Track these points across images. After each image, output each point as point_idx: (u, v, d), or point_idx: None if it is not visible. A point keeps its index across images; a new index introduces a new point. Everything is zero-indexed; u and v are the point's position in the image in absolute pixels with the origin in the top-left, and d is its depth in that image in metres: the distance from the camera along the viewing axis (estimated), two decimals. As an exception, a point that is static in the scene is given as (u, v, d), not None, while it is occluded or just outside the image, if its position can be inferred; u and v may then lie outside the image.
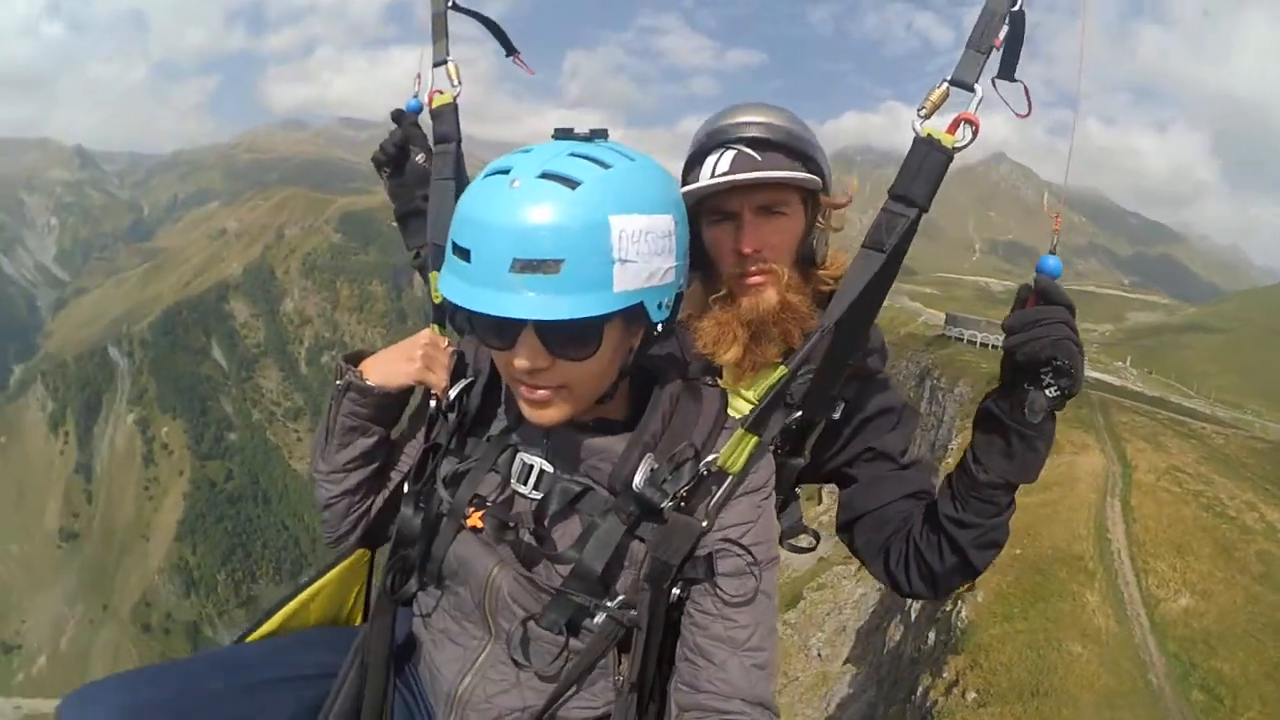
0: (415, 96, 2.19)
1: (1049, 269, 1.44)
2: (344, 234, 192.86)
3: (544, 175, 1.18)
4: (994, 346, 69.47)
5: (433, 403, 1.66)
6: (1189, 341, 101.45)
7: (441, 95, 2.10)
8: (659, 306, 1.29)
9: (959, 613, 20.11)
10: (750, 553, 1.43)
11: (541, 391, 1.32)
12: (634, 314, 1.27)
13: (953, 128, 1.42)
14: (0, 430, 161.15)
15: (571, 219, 1.15)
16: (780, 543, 1.82)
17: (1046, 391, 1.46)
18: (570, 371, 1.30)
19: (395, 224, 2.29)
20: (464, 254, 1.20)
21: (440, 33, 2.11)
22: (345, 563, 1.80)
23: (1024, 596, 19.96)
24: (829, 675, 29.20)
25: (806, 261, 1.92)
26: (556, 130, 1.33)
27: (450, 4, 2.11)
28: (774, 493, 1.58)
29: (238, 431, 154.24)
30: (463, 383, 1.62)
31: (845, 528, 2.01)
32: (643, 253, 1.21)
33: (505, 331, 1.27)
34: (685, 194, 1.69)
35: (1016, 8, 1.40)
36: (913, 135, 1.44)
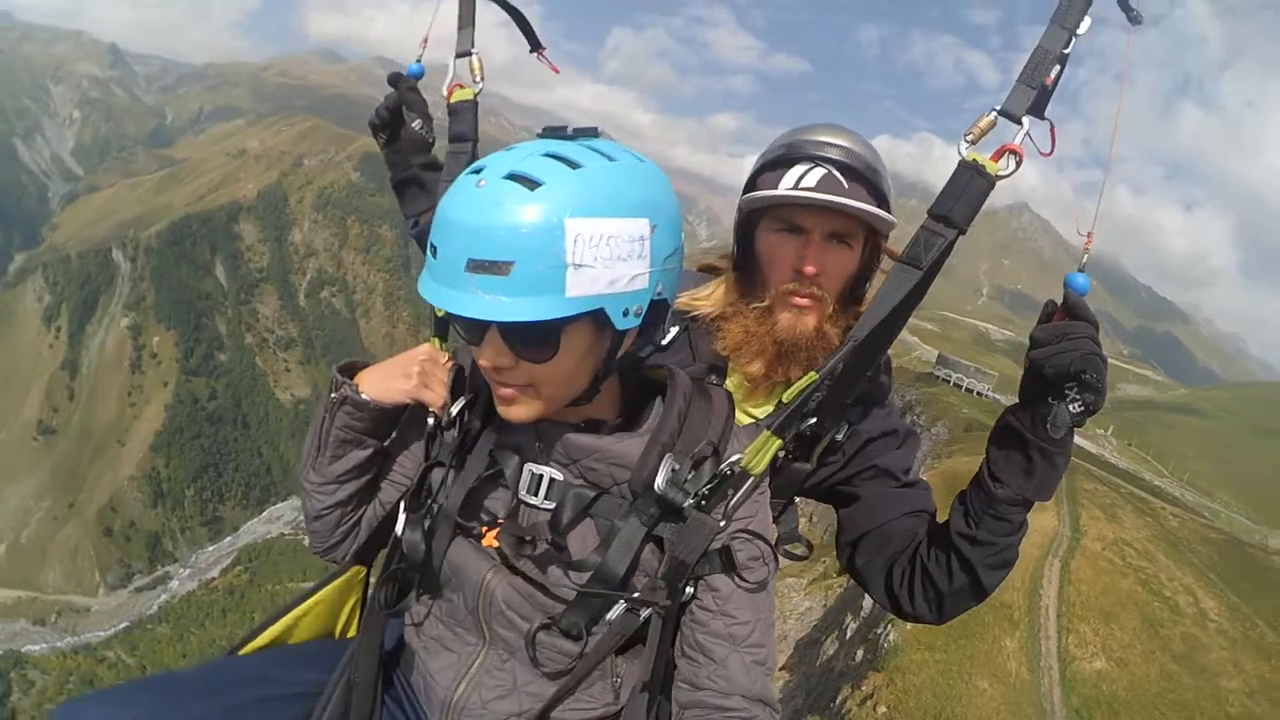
0: (418, 60, 2.15)
1: (1078, 286, 1.44)
2: (362, 173, 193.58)
3: (509, 176, 1.18)
4: (979, 394, 72.03)
5: (430, 420, 1.65)
6: (1174, 422, 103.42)
7: (461, 90, 2.05)
8: (624, 314, 1.26)
9: (887, 636, 21.98)
10: (764, 539, 1.47)
11: (507, 389, 1.34)
12: (601, 318, 1.25)
13: (996, 156, 1.45)
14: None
15: (524, 220, 1.14)
16: (773, 546, 1.81)
17: (1070, 406, 1.45)
18: (535, 372, 1.30)
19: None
20: (433, 251, 1.22)
21: (467, 20, 2.07)
22: (340, 579, 1.80)
23: (948, 631, 21.65)
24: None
25: (852, 299, 1.95)
26: (545, 128, 1.33)
27: None
28: (769, 490, 1.61)
29: (228, 352, 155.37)
30: (464, 399, 1.61)
31: (846, 547, 2.00)
32: (602, 258, 1.19)
33: (474, 329, 1.29)
34: (759, 198, 1.80)
35: (1069, 50, 1.45)
36: (957, 159, 1.47)
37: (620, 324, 1.26)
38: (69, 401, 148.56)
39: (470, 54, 2.04)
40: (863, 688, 19.65)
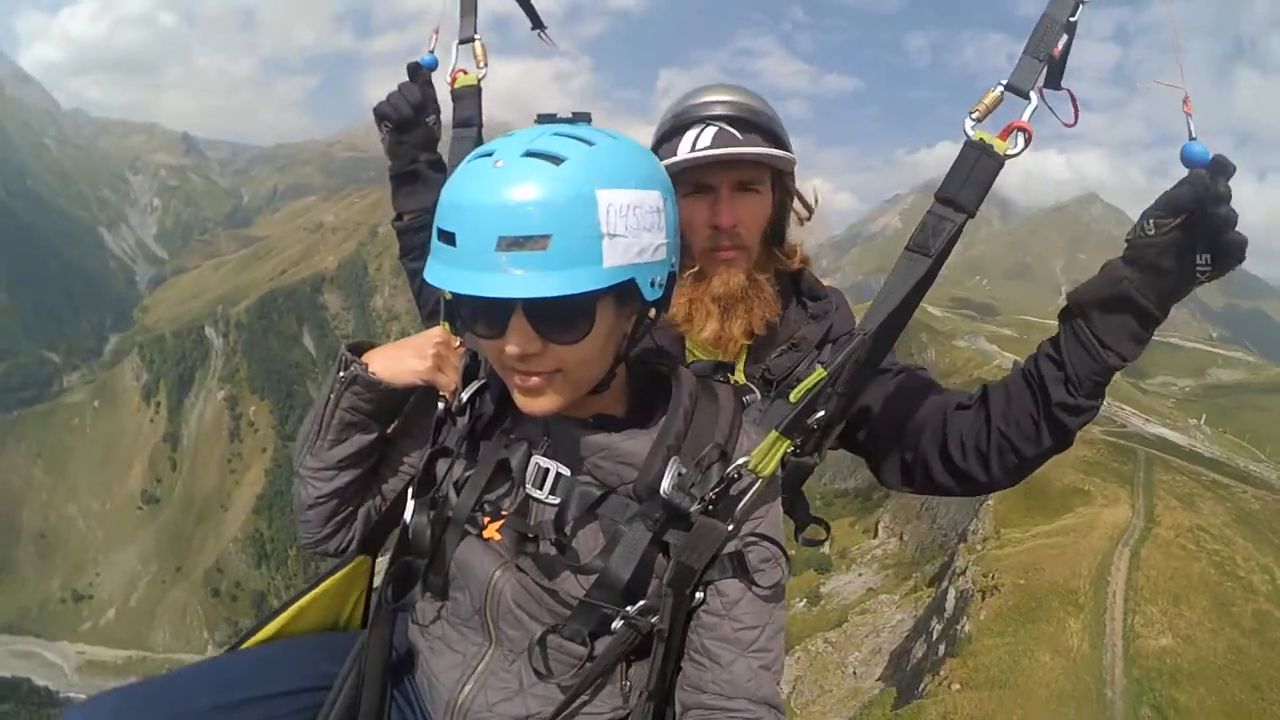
0: (431, 52, 2.09)
1: (1201, 154, 1.31)
2: None
3: (528, 154, 1.17)
4: None
5: (440, 405, 1.57)
6: (1268, 403, 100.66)
7: (465, 76, 2.03)
8: (651, 284, 1.26)
9: (963, 628, 24.16)
10: (775, 543, 1.43)
11: (534, 379, 1.28)
12: (626, 293, 1.24)
13: (1005, 134, 1.41)
14: (94, 394, 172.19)
15: (557, 194, 1.13)
16: (795, 538, 1.89)
17: (1193, 285, 1.40)
18: (563, 355, 1.26)
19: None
20: (449, 238, 1.18)
21: (468, 8, 2.06)
22: (345, 569, 1.73)
23: (1018, 618, 23.83)
24: (860, 690, 32.13)
25: (773, 240, 1.98)
26: (539, 115, 1.31)
27: None
28: (782, 490, 1.56)
29: None
30: (475, 385, 1.54)
31: (884, 459, 1.93)
32: (631, 227, 1.19)
33: (494, 317, 1.24)
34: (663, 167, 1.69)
35: (1075, 17, 1.40)
36: (964, 138, 1.43)
37: (649, 294, 1.26)
38: (172, 471, 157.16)
39: (474, 39, 2.04)
40: (941, 672, 21.73)
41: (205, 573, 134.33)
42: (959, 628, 24.43)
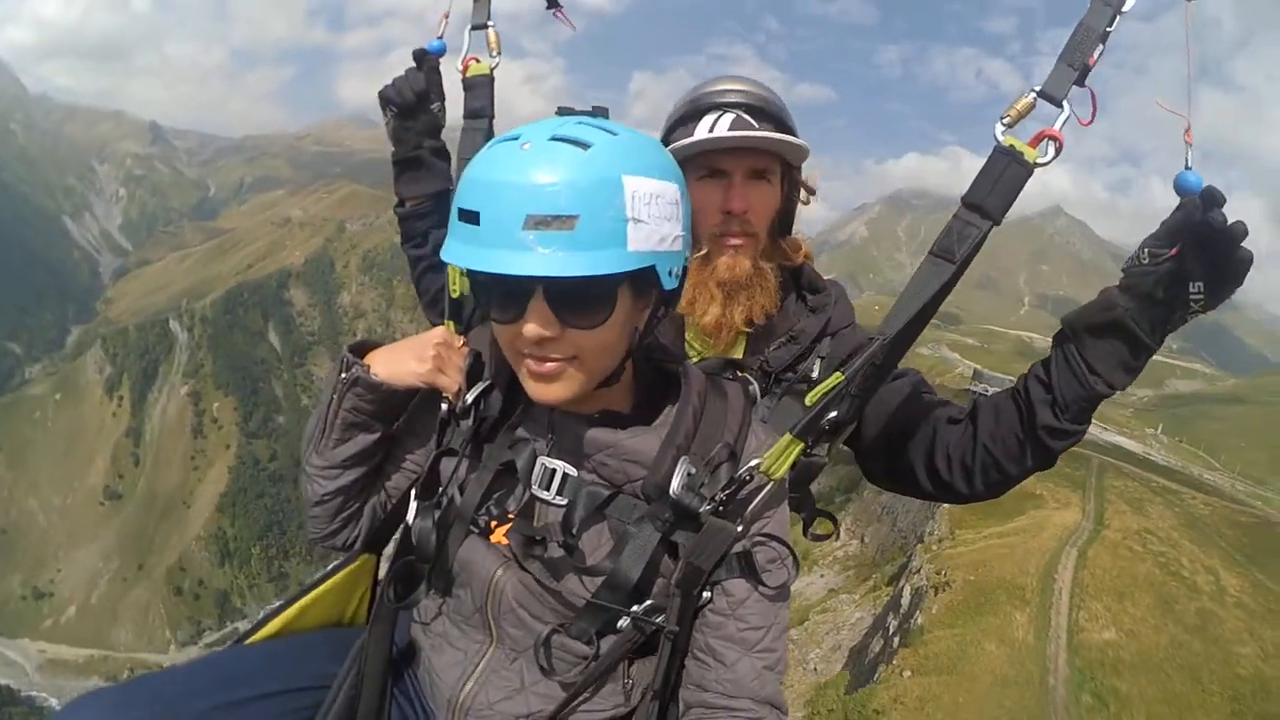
0: (440, 37, 2.03)
1: (1195, 184, 1.31)
2: None
3: (555, 139, 1.18)
4: None
5: (444, 406, 1.56)
6: (1224, 413, 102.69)
7: (478, 64, 1.99)
8: (669, 274, 1.27)
9: (916, 621, 25.15)
10: (783, 543, 1.43)
11: (550, 364, 1.28)
12: (643, 283, 1.26)
13: (1035, 142, 1.39)
14: (56, 387, 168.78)
15: (586, 176, 1.15)
16: (804, 533, 1.94)
17: (1189, 315, 1.41)
18: (581, 341, 1.26)
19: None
20: (472, 217, 1.18)
21: None
22: (350, 567, 1.74)
23: (967, 612, 24.93)
24: (820, 685, 32.94)
25: (780, 230, 1.99)
26: (560, 108, 1.33)
27: None
28: (790, 489, 1.55)
29: (285, 414, 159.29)
30: (480, 386, 1.53)
31: (872, 461, 1.96)
32: (654, 215, 1.21)
33: (513, 299, 1.24)
34: (678, 148, 1.79)
35: (1112, 28, 1.39)
36: (993, 144, 1.41)
37: (667, 283, 1.27)
38: (134, 467, 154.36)
39: (487, 26, 1.99)
40: (894, 662, 22.82)
41: (168, 570, 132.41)
42: (912, 621, 25.48)
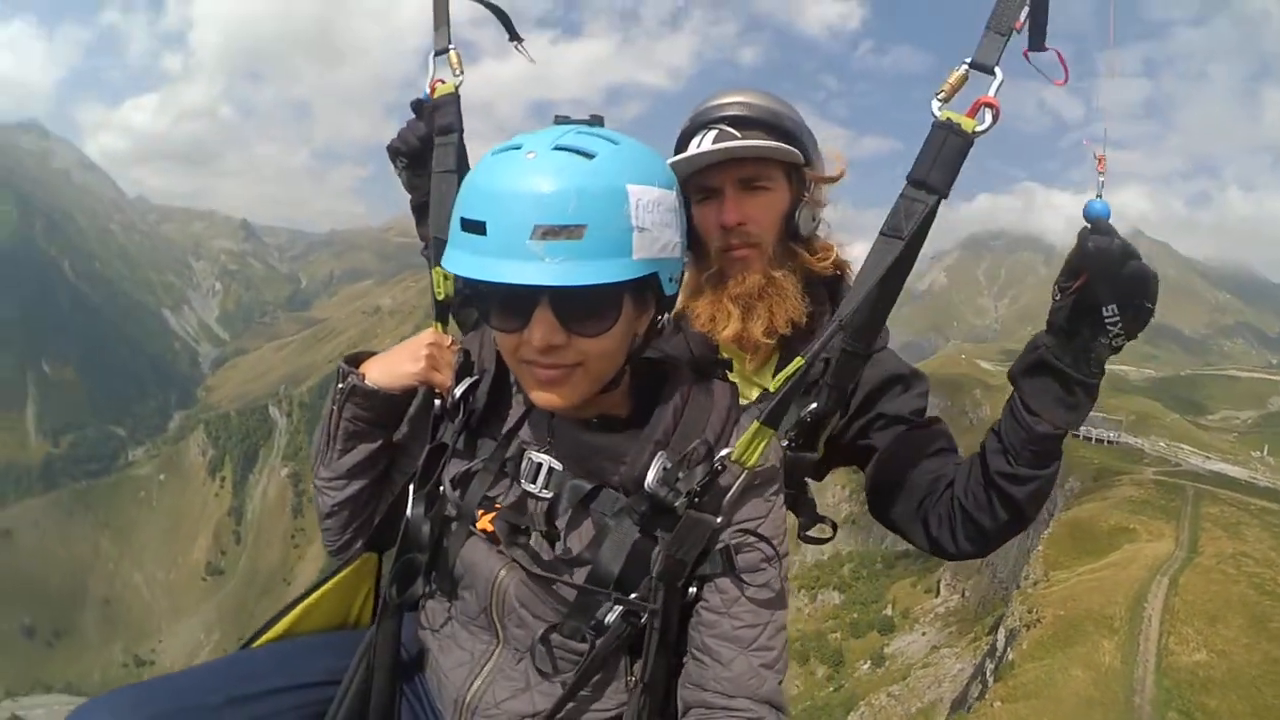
0: (430, 91, 2.08)
1: (1099, 211, 1.37)
2: None
3: (558, 148, 1.18)
4: (1108, 441, 67.75)
5: (437, 403, 1.59)
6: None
7: (443, 85, 2.01)
8: (670, 280, 1.29)
9: (1008, 657, 26.44)
10: (770, 544, 1.42)
11: (555, 371, 1.27)
12: (645, 289, 1.26)
13: (972, 111, 1.39)
14: (161, 468, 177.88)
15: (593, 185, 1.15)
16: (800, 535, 1.88)
17: (1114, 341, 1.42)
18: (586, 348, 1.25)
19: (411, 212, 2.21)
20: (477, 227, 1.17)
21: (441, 19, 2.03)
22: (352, 566, 1.75)
23: (1056, 644, 25.87)
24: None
25: (792, 236, 1.93)
26: (557, 117, 1.32)
27: None
28: (784, 488, 1.52)
29: None
30: (468, 381, 1.54)
31: (876, 500, 1.93)
32: (656, 222, 1.21)
33: (518, 308, 1.23)
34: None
35: None
36: (931, 120, 1.41)
37: (669, 289, 1.28)
38: (235, 544, 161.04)
39: (448, 50, 2.01)
40: (986, 697, 23.91)
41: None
42: (1004, 660, 26.38)
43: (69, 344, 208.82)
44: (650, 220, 1.20)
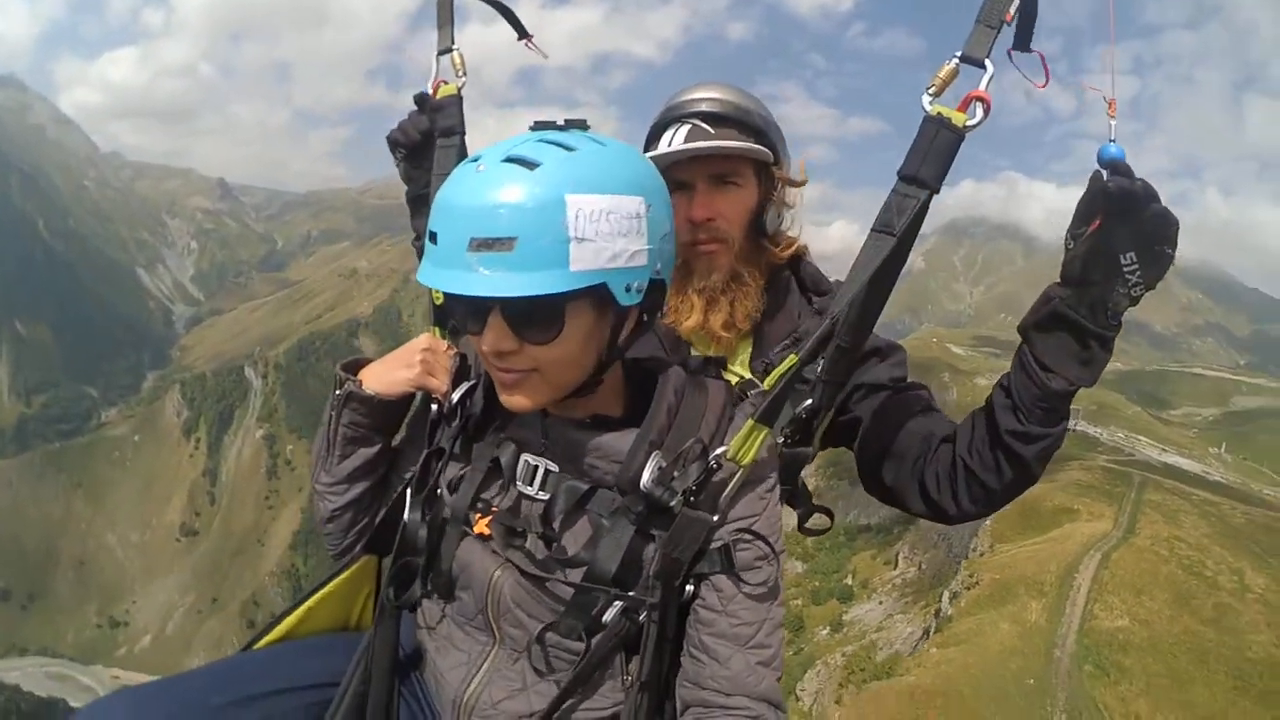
0: (432, 85, 2.08)
1: (1116, 154, 1.34)
2: None
3: (507, 159, 1.20)
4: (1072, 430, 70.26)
5: (434, 407, 1.62)
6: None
7: (446, 85, 2.02)
8: (626, 290, 1.25)
9: (947, 613, 29.20)
10: (766, 541, 1.42)
11: (512, 374, 1.31)
12: (604, 298, 1.25)
13: (963, 105, 1.38)
14: (135, 429, 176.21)
15: (526, 197, 1.16)
16: (800, 528, 1.89)
17: (1132, 291, 1.39)
18: (538, 355, 1.28)
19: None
20: (433, 237, 1.22)
21: (445, 19, 2.04)
22: (352, 568, 1.75)
23: (989, 602, 28.59)
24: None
25: (759, 233, 1.94)
26: (535, 122, 1.33)
27: None
28: (779, 484, 1.54)
29: None
30: (465, 385, 1.57)
31: (869, 473, 1.92)
32: (603, 232, 1.20)
33: (477, 315, 1.28)
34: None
35: None
36: (922, 114, 1.39)
37: (623, 299, 1.26)
38: (210, 506, 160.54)
39: (451, 50, 2.02)
40: (922, 645, 26.95)
41: (241, 605, 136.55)
42: (944, 617, 28.95)
43: (43, 302, 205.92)
44: (594, 230, 1.19)
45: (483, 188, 1.19)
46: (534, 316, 1.24)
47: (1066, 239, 1.42)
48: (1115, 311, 1.42)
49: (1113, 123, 1.38)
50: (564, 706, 1.42)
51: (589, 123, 1.35)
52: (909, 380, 1.95)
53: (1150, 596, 28.68)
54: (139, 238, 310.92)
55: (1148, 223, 1.33)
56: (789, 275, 2.02)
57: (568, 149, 1.23)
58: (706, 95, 1.88)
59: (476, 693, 1.47)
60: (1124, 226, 1.34)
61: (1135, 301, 1.40)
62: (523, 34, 2.14)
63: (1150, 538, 35.24)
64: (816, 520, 1.92)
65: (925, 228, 1.51)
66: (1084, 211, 1.39)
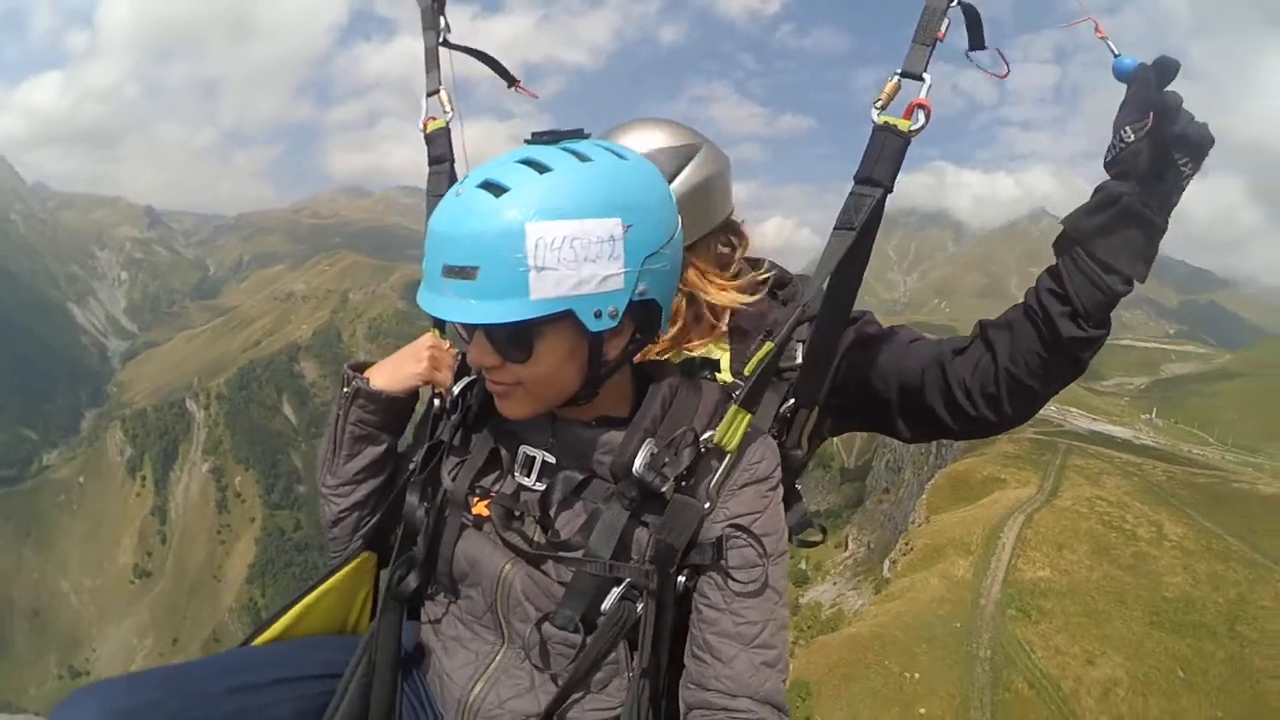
0: (426, 124, 2.15)
1: (1130, 64, 1.41)
2: (408, 300, 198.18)
3: (482, 184, 1.21)
4: None
5: (436, 401, 1.66)
6: (1217, 390, 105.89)
7: (435, 121, 2.11)
8: (595, 316, 1.24)
9: (887, 577, 31.68)
10: (760, 543, 1.40)
11: (498, 386, 1.35)
12: (577, 320, 1.24)
13: (907, 114, 1.46)
14: (78, 470, 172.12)
15: (487, 227, 1.17)
16: (789, 539, 1.79)
17: (1182, 183, 1.42)
18: (519, 372, 1.31)
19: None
20: (424, 258, 1.26)
21: (432, 65, 2.13)
22: (350, 565, 1.73)
23: (921, 564, 31.29)
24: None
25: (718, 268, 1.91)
26: (533, 133, 1.33)
27: (441, 40, 2.13)
28: (781, 485, 1.51)
29: (306, 484, 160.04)
30: (466, 380, 1.60)
31: (900, 420, 1.87)
32: (566, 259, 1.18)
33: (467, 330, 1.34)
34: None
35: (956, 3, 1.48)
36: (871, 126, 1.48)
37: (592, 325, 1.24)
38: (161, 545, 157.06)
39: (439, 91, 2.11)
40: (863, 600, 28.99)
41: (203, 644, 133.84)
42: (882, 580, 31.49)
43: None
44: (555, 258, 1.18)
45: (454, 215, 1.21)
46: (509, 339, 1.27)
47: (1124, 131, 1.41)
48: (1171, 206, 1.44)
49: (1109, 43, 1.44)
50: (568, 703, 1.41)
51: (586, 131, 1.36)
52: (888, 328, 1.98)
53: (1070, 550, 30.98)
54: (69, 271, 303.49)
55: (1186, 121, 1.37)
56: (745, 267, 2.04)
57: (543, 170, 1.22)
58: (639, 133, 1.82)
59: (483, 693, 1.47)
60: (1170, 125, 1.37)
61: (1181, 192, 1.44)
62: (511, 81, 2.27)
63: (1072, 498, 37.59)
64: (808, 533, 1.91)
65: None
66: (1139, 105, 1.39)
